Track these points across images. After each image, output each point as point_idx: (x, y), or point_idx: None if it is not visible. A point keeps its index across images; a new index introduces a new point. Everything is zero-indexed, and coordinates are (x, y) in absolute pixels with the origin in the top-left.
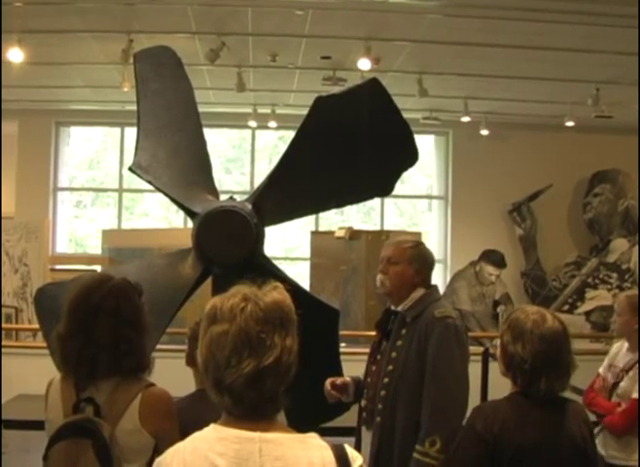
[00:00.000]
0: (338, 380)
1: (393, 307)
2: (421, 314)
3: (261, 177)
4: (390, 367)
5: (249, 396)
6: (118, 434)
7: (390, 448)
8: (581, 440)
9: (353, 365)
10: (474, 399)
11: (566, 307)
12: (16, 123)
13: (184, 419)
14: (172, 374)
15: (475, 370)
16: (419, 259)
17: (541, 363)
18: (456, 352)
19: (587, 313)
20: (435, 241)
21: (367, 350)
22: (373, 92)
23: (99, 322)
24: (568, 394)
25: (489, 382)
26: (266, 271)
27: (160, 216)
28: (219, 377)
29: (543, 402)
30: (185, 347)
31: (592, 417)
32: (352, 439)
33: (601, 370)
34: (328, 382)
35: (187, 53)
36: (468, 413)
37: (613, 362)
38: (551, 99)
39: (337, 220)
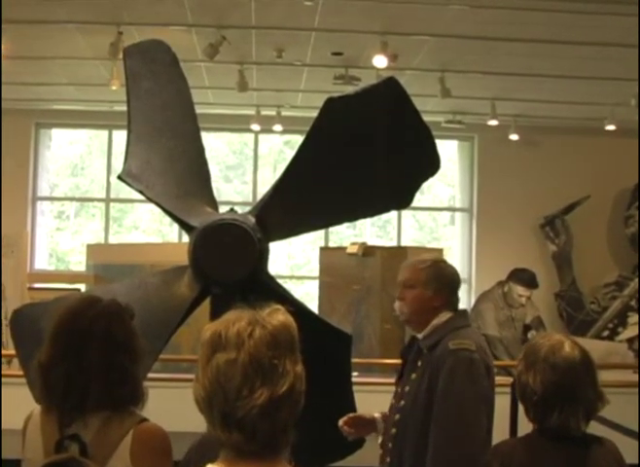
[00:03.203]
0: (351, 415)
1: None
2: (438, 345)
3: (264, 187)
4: (402, 402)
5: (262, 429)
6: None
7: None
8: None
9: (367, 396)
10: (502, 435)
11: (606, 333)
12: None
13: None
14: (165, 406)
15: (503, 403)
16: (437, 279)
17: (552, 396)
18: (468, 392)
19: (630, 340)
20: (458, 258)
21: (382, 380)
22: (389, 93)
23: (89, 348)
24: (604, 430)
25: (520, 417)
26: (271, 292)
27: (151, 229)
28: (227, 410)
29: (564, 440)
30: (181, 376)
31: None
32: None
33: None
34: (342, 421)
35: (183, 47)
36: None
37: None
38: (590, 100)
39: (348, 234)
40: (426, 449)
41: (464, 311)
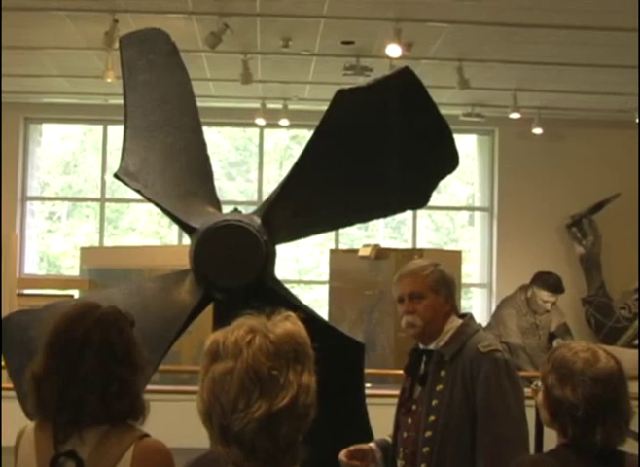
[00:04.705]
0: (351, 448)
1: (422, 346)
2: (462, 350)
3: (270, 185)
4: (432, 417)
5: (262, 445)
6: None
7: None
8: None
9: (381, 409)
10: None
11: (637, 342)
12: None
13: None
14: (164, 420)
15: (527, 416)
16: (444, 283)
17: (596, 409)
18: (510, 392)
19: None
20: (478, 261)
21: (397, 392)
22: (404, 84)
23: (86, 358)
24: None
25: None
26: (277, 298)
27: (149, 231)
28: (225, 424)
29: (596, 457)
30: (181, 388)
31: None
32: None
33: None
34: (342, 454)
35: (183, 36)
36: None
37: None
38: (618, 90)
39: (360, 236)
40: (469, 459)
41: (471, 314)
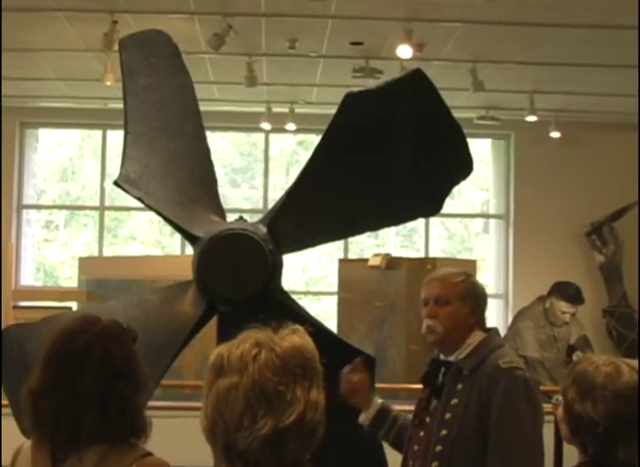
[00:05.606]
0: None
1: (442, 357)
2: (481, 365)
3: (276, 192)
4: (444, 431)
5: (267, 464)
6: None
7: None
8: None
9: None
10: None
11: None
12: None
13: None
14: (167, 437)
15: (546, 432)
16: (473, 294)
17: (617, 426)
18: (527, 412)
19: None
20: (493, 271)
21: (409, 408)
22: (415, 87)
23: (85, 374)
24: None
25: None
26: (284, 309)
27: (150, 240)
28: (229, 441)
29: None
30: (184, 404)
31: None
32: None
33: None
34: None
35: (185, 38)
36: None
37: None
38: None
39: (370, 244)
40: None
41: (497, 329)
